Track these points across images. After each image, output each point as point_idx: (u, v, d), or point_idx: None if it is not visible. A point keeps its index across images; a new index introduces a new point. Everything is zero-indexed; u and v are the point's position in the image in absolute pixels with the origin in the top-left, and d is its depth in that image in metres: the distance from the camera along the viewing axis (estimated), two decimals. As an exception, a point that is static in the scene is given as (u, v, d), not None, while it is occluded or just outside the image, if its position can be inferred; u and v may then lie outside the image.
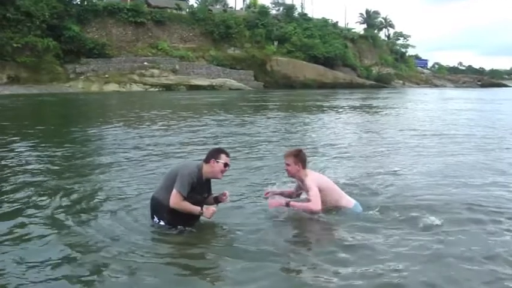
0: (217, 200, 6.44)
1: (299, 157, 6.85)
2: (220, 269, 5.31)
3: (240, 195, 8.22)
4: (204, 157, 6.39)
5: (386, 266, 5.32)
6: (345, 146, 15.48)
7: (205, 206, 6.20)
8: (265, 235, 6.30)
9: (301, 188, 7.08)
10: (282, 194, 7.16)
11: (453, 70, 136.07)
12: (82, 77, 54.61)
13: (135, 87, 55.52)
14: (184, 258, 5.53)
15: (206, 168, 6.22)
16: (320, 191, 6.71)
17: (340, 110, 31.09)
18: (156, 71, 57.63)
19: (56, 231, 6.34)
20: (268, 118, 24.58)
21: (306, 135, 18.41)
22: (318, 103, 36.69)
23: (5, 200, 7.95)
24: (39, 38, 51.17)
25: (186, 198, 6.02)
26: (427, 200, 8.18)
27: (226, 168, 6.34)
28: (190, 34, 67.28)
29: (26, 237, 6.12)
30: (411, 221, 7.01)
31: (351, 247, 5.97)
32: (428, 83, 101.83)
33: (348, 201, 7.04)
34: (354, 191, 8.76)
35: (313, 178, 6.83)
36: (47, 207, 7.57)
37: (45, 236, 6.19)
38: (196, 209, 6.09)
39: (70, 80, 54.00)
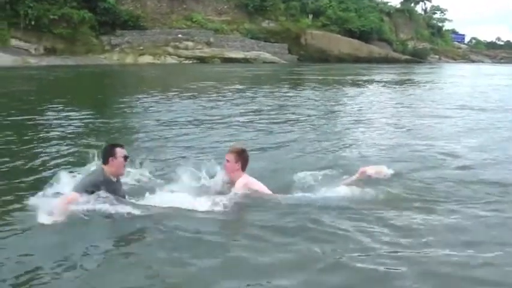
0: None
1: (241, 157, 6.58)
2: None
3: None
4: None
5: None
6: (392, 119, 15.27)
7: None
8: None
9: (229, 185, 6.66)
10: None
11: (491, 45, 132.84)
12: (117, 49, 54.70)
13: (170, 60, 55.52)
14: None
15: (108, 169, 5.99)
16: (249, 196, 6.42)
17: (383, 84, 30.70)
18: (190, 44, 57.40)
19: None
20: (313, 91, 24.47)
21: (351, 108, 18.24)
22: (359, 77, 36.30)
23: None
24: (75, 10, 51.28)
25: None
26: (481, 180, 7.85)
27: (127, 160, 6.12)
28: (225, 7, 66.71)
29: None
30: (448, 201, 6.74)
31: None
32: (465, 58, 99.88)
33: None
34: (399, 165, 8.52)
35: (245, 182, 6.48)
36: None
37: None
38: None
39: (105, 51, 54.15)
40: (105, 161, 6.03)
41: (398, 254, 4.97)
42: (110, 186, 5.92)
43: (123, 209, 5.79)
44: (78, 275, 4.55)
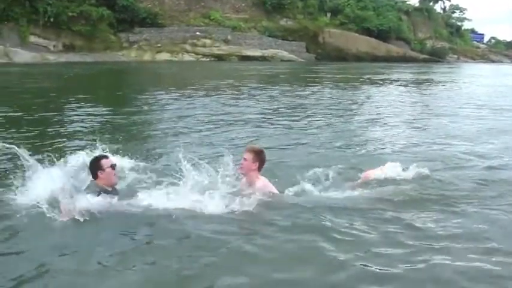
0: None
1: (259, 157, 6.54)
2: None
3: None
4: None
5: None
6: (411, 118, 15.24)
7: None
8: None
9: (246, 186, 6.63)
10: None
11: (510, 45, 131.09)
12: (135, 46, 54.83)
13: (187, 57, 55.60)
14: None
15: (100, 182, 6.07)
16: (267, 198, 6.38)
17: (402, 83, 30.56)
18: (208, 41, 57.41)
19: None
20: (332, 89, 24.46)
21: (370, 107, 18.21)
22: (377, 76, 36.08)
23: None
24: (93, 7, 51.38)
25: None
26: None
27: (115, 169, 6.16)
28: (243, 4, 66.54)
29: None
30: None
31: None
32: (484, 58, 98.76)
33: None
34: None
35: (264, 184, 6.48)
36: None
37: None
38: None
39: (123, 48, 54.28)
40: (95, 176, 6.12)
41: (413, 256, 4.96)
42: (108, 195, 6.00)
43: (134, 208, 5.86)
44: (94, 269, 4.64)
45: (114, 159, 6.56)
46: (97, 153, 7.05)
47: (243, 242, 5.27)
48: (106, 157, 6.24)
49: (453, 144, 10.75)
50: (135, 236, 5.40)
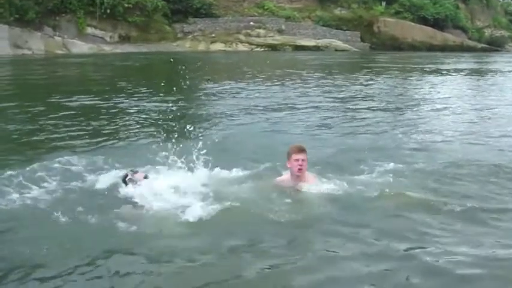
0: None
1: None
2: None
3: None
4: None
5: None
6: (475, 108, 14.83)
7: None
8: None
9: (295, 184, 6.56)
10: None
11: None
12: (189, 37, 55.24)
13: (241, 47, 55.54)
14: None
15: None
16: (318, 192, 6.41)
17: (462, 73, 29.90)
18: (262, 31, 57.24)
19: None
20: (391, 79, 24.12)
21: (433, 96, 17.78)
22: (435, 66, 35.40)
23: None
24: (148, -2, 51.86)
25: None
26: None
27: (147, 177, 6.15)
28: (297, -6, 66.23)
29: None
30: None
31: None
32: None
33: None
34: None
35: (317, 181, 6.54)
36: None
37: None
38: None
39: (177, 39, 54.72)
40: None
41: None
42: None
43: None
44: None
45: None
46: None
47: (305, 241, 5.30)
48: (136, 172, 6.33)
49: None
50: (181, 229, 5.44)
